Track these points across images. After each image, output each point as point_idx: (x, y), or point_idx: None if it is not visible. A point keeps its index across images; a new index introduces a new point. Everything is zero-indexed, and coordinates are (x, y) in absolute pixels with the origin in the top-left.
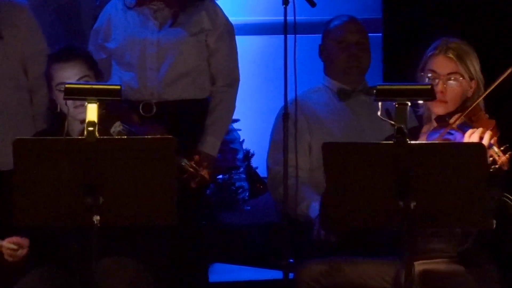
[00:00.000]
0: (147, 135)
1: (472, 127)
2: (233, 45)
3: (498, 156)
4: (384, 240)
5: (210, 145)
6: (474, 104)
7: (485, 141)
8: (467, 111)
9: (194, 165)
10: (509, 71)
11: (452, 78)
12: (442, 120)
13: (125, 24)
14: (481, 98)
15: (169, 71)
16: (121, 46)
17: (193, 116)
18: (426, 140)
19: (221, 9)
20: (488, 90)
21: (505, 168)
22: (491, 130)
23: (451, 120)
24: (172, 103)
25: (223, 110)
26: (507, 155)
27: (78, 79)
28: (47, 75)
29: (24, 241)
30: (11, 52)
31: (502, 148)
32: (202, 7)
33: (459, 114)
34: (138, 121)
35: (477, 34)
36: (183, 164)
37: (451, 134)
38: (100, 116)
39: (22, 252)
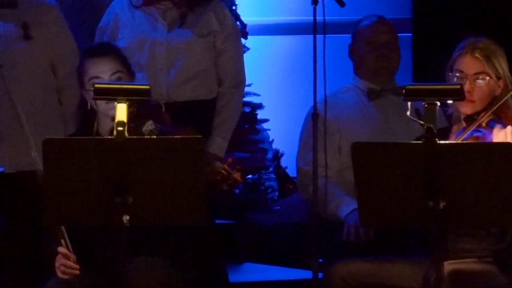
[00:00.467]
0: (177, 135)
1: (501, 124)
2: (239, 46)
3: None
4: (414, 240)
5: (218, 146)
6: (502, 101)
7: None
8: (494, 108)
9: (227, 168)
10: None
11: (479, 78)
12: (471, 119)
13: (133, 24)
14: (509, 95)
15: (178, 72)
16: (129, 46)
17: (201, 117)
18: (455, 140)
19: (227, 9)
20: None
21: None
22: None
23: (479, 118)
24: (180, 104)
25: (231, 111)
26: None
27: (112, 74)
28: (79, 70)
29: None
30: (40, 52)
31: None
32: (209, 8)
33: (486, 111)
34: (169, 121)
35: (508, 33)
36: (216, 166)
37: (479, 131)
38: (131, 114)
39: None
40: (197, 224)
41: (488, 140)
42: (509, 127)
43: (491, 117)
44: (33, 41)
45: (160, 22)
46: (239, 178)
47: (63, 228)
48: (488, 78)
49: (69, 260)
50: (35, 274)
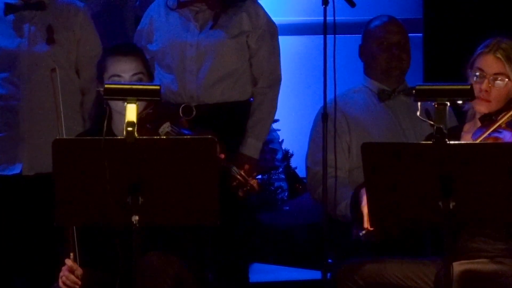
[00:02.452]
0: None
1: None
2: (275, 45)
3: None
4: (425, 240)
5: (252, 147)
6: None
7: None
8: None
9: (243, 174)
10: None
11: (499, 79)
12: (487, 119)
13: (167, 26)
14: None
15: (208, 74)
16: (162, 48)
17: (234, 119)
18: (472, 139)
19: (263, 9)
20: None
21: None
22: None
23: (499, 118)
24: (212, 106)
25: (264, 111)
26: None
27: (133, 75)
28: (100, 67)
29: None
30: (63, 55)
31: None
32: (243, 8)
33: (507, 112)
34: (187, 124)
35: None
36: (232, 172)
37: (500, 132)
38: (148, 116)
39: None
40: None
41: (508, 139)
42: None
43: (511, 118)
44: (56, 45)
45: (192, 24)
46: (255, 186)
47: (75, 240)
48: (507, 80)
49: (73, 274)
50: (51, 277)
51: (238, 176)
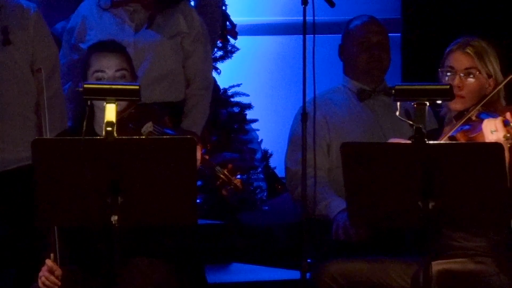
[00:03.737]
0: None
1: (492, 115)
2: (208, 48)
3: None
4: (404, 239)
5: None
6: (492, 93)
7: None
8: (483, 101)
9: (227, 173)
10: None
11: (469, 73)
12: (461, 116)
13: (101, 25)
14: (500, 86)
15: (146, 74)
16: None
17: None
18: (442, 137)
19: (196, 12)
20: (508, 78)
21: None
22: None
23: (469, 112)
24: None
25: (199, 113)
26: None
27: (116, 71)
28: (84, 64)
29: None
30: (20, 56)
31: None
32: (178, 10)
33: (475, 105)
34: (170, 123)
35: (496, 35)
36: (216, 171)
37: (468, 125)
38: (130, 116)
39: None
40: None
41: (477, 131)
42: (499, 118)
43: (480, 110)
44: (12, 46)
45: (127, 24)
46: (239, 184)
47: (56, 240)
48: (478, 73)
49: (53, 274)
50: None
51: (222, 176)
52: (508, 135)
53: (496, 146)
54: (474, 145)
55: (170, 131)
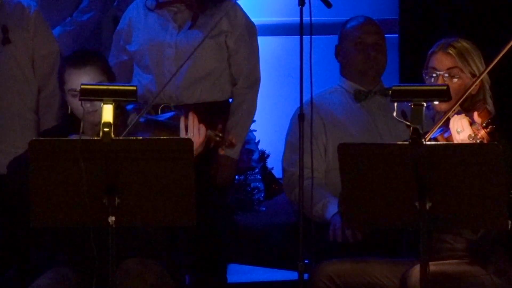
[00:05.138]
0: (167, 121)
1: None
2: (254, 45)
3: (478, 129)
4: (402, 240)
5: (232, 148)
6: (468, 93)
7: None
8: (460, 100)
9: (218, 133)
10: (507, 47)
11: (452, 73)
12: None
13: (146, 27)
14: (474, 85)
15: (186, 74)
16: (141, 49)
17: (214, 119)
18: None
19: (242, 9)
20: (485, 70)
21: (485, 142)
22: (480, 112)
23: (449, 112)
24: (191, 106)
25: (244, 112)
26: (487, 129)
27: None
28: (60, 78)
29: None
30: (20, 56)
31: (484, 124)
32: (222, 9)
33: (453, 105)
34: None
35: (494, 35)
36: (208, 133)
37: (443, 129)
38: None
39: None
40: (186, 226)
41: (450, 132)
42: (465, 119)
43: (459, 111)
44: (12, 45)
45: (171, 24)
46: (234, 141)
47: None
48: (460, 73)
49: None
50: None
51: (215, 137)
52: (473, 134)
53: (493, 147)
54: (471, 146)
55: (162, 117)
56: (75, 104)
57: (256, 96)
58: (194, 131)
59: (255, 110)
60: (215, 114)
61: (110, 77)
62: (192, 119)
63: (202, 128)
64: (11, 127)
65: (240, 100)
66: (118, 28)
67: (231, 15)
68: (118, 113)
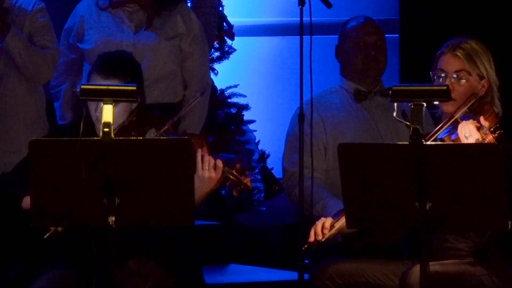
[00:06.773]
0: None
1: (473, 118)
2: (205, 50)
3: (485, 134)
4: (401, 241)
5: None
6: (476, 98)
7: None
8: (469, 103)
9: (236, 174)
10: None
11: (460, 76)
12: (451, 118)
13: (100, 25)
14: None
15: (145, 74)
16: (96, 48)
17: (164, 119)
18: (429, 138)
19: (194, 13)
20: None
21: None
22: (487, 116)
23: (456, 114)
24: (146, 107)
25: (196, 116)
26: (494, 134)
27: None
28: (87, 79)
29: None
30: None
31: (492, 129)
32: (176, 11)
33: (460, 107)
34: (172, 129)
35: (496, 35)
36: (225, 172)
37: (454, 127)
38: (132, 123)
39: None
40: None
41: (458, 134)
42: (473, 124)
43: (466, 113)
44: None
45: (126, 24)
46: (249, 184)
47: None
48: (468, 76)
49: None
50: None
51: (231, 176)
52: (481, 139)
53: (493, 147)
54: (471, 146)
55: (174, 136)
56: (92, 108)
57: (208, 100)
58: (209, 166)
59: (206, 115)
60: (167, 115)
61: (141, 87)
62: (208, 158)
63: (219, 164)
64: (19, 128)
65: (192, 103)
66: (67, 25)
67: (186, 17)
68: (136, 110)
